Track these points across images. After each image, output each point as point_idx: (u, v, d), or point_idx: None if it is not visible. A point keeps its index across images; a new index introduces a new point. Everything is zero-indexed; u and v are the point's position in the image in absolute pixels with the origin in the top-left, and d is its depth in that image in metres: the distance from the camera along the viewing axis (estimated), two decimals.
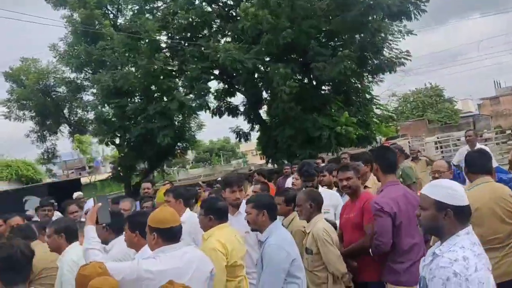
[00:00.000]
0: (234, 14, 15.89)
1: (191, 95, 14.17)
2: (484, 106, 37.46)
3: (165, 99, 15.06)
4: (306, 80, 15.82)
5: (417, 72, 70.22)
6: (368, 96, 16.16)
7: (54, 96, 18.06)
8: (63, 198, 7.83)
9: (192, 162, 63.20)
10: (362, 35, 14.23)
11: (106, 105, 15.86)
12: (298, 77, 15.42)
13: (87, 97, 18.07)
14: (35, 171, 14.07)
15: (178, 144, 18.63)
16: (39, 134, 18.48)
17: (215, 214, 3.47)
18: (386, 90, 20.29)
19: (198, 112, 15.89)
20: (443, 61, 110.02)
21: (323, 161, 9.29)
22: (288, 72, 12.90)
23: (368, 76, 15.65)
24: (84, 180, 15.95)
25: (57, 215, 6.28)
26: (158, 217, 2.77)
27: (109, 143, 16.29)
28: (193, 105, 13.64)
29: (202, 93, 15.07)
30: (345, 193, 4.33)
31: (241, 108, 17.52)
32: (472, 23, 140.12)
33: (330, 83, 15.64)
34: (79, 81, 18.07)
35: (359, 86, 16.09)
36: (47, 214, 5.94)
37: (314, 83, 15.58)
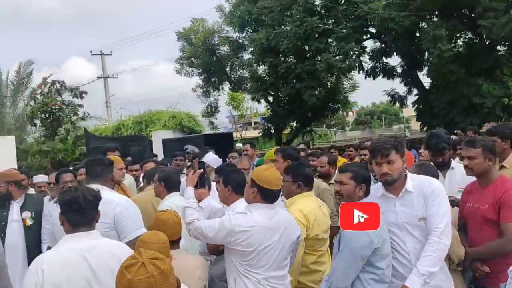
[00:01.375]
0: None
1: (340, 56, 13.71)
2: None
3: (317, 59, 14.97)
4: (477, 39, 13.90)
5: None
6: None
7: (218, 54, 19.42)
8: (215, 148, 8.77)
9: (352, 124, 62.34)
10: None
11: (260, 63, 16.44)
12: (464, 36, 13.63)
13: (247, 55, 18.99)
14: (196, 123, 15.53)
15: (330, 104, 18.51)
16: (204, 89, 20.27)
17: (303, 180, 3.38)
18: None
19: (347, 74, 15.35)
20: None
21: (477, 133, 8.21)
22: (442, 33, 11.43)
23: None
24: (235, 135, 17.03)
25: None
26: (264, 177, 2.86)
27: (260, 100, 16.97)
28: (342, 66, 13.18)
29: (352, 53, 14.49)
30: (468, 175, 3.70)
31: (398, 70, 16.41)
32: None
33: (507, 43, 13.46)
34: (240, 40, 19.06)
35: None
36: (178, 163, 6.53)
37: (486, 42, 13.60)
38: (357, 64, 15.96)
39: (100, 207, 3.09)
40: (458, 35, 14.08)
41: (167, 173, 3.89)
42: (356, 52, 15.98)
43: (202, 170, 3.22)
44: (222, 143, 11.71)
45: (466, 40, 14.47)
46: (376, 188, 2.93)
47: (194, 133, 15.17)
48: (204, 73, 19.91)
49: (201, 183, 3.19)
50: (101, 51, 26.91)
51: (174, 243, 2.78)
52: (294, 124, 19.06)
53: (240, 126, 46.50)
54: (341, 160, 6.59)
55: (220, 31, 19.33)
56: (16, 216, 4.65)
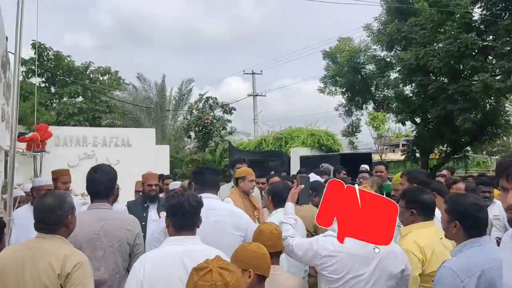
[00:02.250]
0: None
1: (500, 76, 12.21)
2: None
3: (472, 79, 13.63)
4: None
5: None
6: None
7: (363, 73, 19.03)
8: (352, 168, 8.69)
9: None
10: None
11: (407, 83, 15.62)
12: None
13: (394, 75, 18.23)
14: (334, 142, 15.42)
15: (488, 129, 16.61)
16: (346, 108, 20.00)
17: (417, 208, 3.06)
18: None
19: (507, 95, 13.59)
20: None
21: None
22: None
23: None
24: (375, 156, 16.34)
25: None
26: None
27: (405, 122, 16.04)
28: (501, 86, 11.71)
29: None
30: None
31: None
32: None
33: None
34: (388, 59, 18.39)
35: None
36: None
37: None
38: None
39: (233, 219, 3.30)
40: None
41: (277, 188, 3.89)
42: None
43: (303, 186, 3.18)
44: (359, 163, 11.39)
45: None
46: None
47: (332, 151, 15.08)
48: (348, 92, 19.67)
49: (302, 199, 3.14)
50: (252, 71, 28.63)
51: (272, 257, 2.77)
52: (444, 148, 17.56)
53: (386, 148, 44.73)
54: (495, 192, 5.82)
55: (366, 50, 18.95)
56: (154, 217, 5.17)
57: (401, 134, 17.73)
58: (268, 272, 2.33)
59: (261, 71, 28.47)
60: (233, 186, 4.93)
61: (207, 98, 19.06)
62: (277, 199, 3.75)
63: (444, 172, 8.35)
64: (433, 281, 2.46)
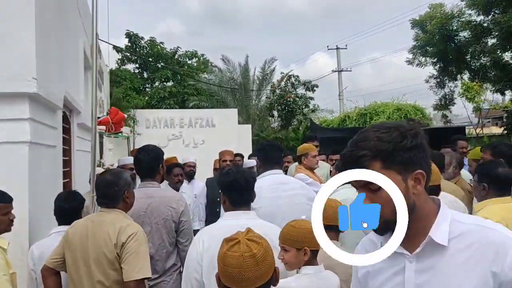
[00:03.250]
0: None
1: None
2: None
3: None
4: None
5: None
6: None
7: (456, 41, 17.62)
8: (441, 143, 8.19)
9: None
10: None
11: (506, 49, 14.18)
12: None
13: (492, 41, 16.64)
14: (423, 116, 14.56)
15: None
16: (438, 80, 18.71)
17: (490, 182, 2.82)
18: None
19: None
20: None
21: None
22: None
23: None
24: (472, 131, 15.12)
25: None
26: None
27: (504, 92, 14.62)
28: None
29: None
30: None
31: None
32: None
33: None
34: (485, 24, 16.83)
35: None
36: None
37: None
38: None
39: (305, 191, 3.35)
40: None
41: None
42: None
43: None
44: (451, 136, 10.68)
45: None
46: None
47: (422, 126, 14.28)
48: (439, 62, 18.37)
49: None
50: (336, 46, 27.91)
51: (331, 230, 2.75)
52: None
53: (489, 121, 41.09)
54: None
55: (460, 15, 17.46)
56: None
57: (498, 105, 16.18)
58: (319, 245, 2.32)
59: (346, 45, 27.66)
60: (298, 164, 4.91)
61: (289, 76, 18.99)
62: None
63: None
64: None
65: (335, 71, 27.54)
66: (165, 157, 3.44)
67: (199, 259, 2.45)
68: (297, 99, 18.64)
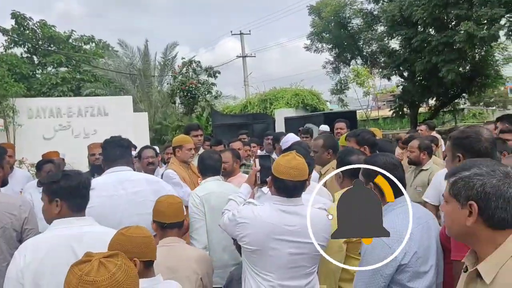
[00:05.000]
0: None
1: (483, 25, 11.70)
2: None
3: (457, 28, 13.12)
4: None
5: None
6: None
7: (349, 28, 18.45)
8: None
9: None
10: None
11: (392, 36, 15.12)
12: None
13: (381, 28, 17.65)
14: (319, 101, 15.12)
15: (477, 80, 16.25)
16: (334, 65, 19.53)
17: (346, 171, 2.88)
18: None
19: (490, 44, 13.12)
20: None
21: None
22: None
23: None
24: (361, 114, 16.06)
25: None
26: (278, 164, 2.48)
27: (390, 77, 15.64)
28: (484, 35, 11.25)
29: (500, 20, 12.31)
30: None
31: None
32: None
33: None
34: (375, 12, 17.77)
35: None
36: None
37: None
38: (510, 33, 13.61)
39: (151, 186, 3.13)
40: None
41: (203, 156, 3.65)
42: (511, 19, 13.61)
43: (259, 168, 2.93)
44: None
45: None
46: None
47: (317, 111, 14.81)
48: (335, 49, 19.15)
49: (262, 179, 2.90)
50: (240, 31, 27.90)
51: (172, 228, 2.65)
52: (433, 102, 17.25)
53: (384, 104, 44.15)
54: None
55: (352, 3, 18.29)
56: None
57: (386, 90, 17.34)
58: (155, 255, 2.14)
59: (250, 31, 27.73)
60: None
61: (191, 62, 18.58)
62: (201, 167, 3.54)
63: (422, 127, 8.12)
64: (359, 253, 2.34)
65: (240, 56, 27.59)
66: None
67: (19, 277, 2.15)
68: (200, 85, 18.33)
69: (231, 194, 2.97)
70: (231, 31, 28.13)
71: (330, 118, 12.59)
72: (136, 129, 12.02)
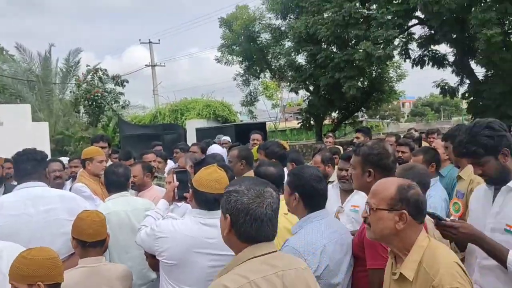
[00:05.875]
0: None
1: (380, 45, 12.78)
2: None
3: (357, 47, 14.16)
4: None
5: None
6: None
7: (259, 42, 18.97)
8: (246, 139, 8.44)
9: (408, 116, 59.96)
10: None
11: (299, 52, 15.86)
12: None
13: (288, 44, 18.41)
14: (230, 112, 15.34)
15: (374, 95, 17.62)
16: (244, 78, 19.93)
17: None
18: None
19: (386, 62, 14.38)
20: None
21: None
22: (491, 16, 10.41)
23: None
24: (270, 126, 16.59)
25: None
26: (198, 176, 2.49)
27: (297, 91, 16.38)
28: (381, 55, 12.29)
29: (398, 41, 13.56)
30: None
31: (450, 58, 15.20)
32: None
33: None
34: (282, 28, 18.49)
35: None
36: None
37: None
38: (402, 52, 15.00)
39: (65, 204, 2.91)
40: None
41: (107, 170, 3.53)
42: (404, 39, 14.99)
43: (177, 183, 2.87)
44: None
45: None
46: None
47: (229, 122, 14.99)
48: (245, 62, 19.55)
49: (180, 195, 2.84)
50: (149, 40, 27.35)
51: (95, 246, 2.52)
52: (336, 115, 18.35)
53: (291, 116, 45.92)
54: None
55: (261, 18, 18.86)
56: None
57: (293, 102, 18.11)
58: (62, 277, 2.02)
59: (159, 40, 27.27)
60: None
61: (96, 70, 17.79)
62: (106, 183, 3.42)
63: (359, 134, 8.59)
64: None
65: (149, 65, 27.00)
66: None
67: None
68: (106, 94, 17.61)
69: (147, 210, 2.92)
70: (140, 39, 27.48)
71: (241, 130, 12.86)
72: (35, 140, 11.14)
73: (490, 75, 13.40)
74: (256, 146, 4.61)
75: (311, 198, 2.42)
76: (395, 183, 1.86)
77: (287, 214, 2.89)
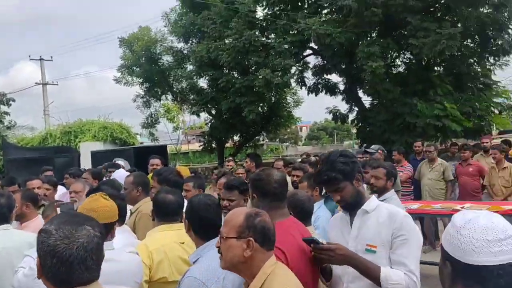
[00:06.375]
0: None
1: (278, 72, 13.41)
2: None
3: (257, 73, 14.67)
4: (414, 60, 14.04)
5: None
6: (487, 81, 13.79)
7: (160, 64, 18.76)
8: (146, 162, 8.03)
9: (305, 139, 63.14)
10: (482, 9, 12.08)
11: (201, 76, 15.99)
12: (402, 55, 13.85)
13: (190, 67, 18.44)
14: (129, 134, 14.86)
15: (273, 119, 18.30)
16: (145, 99, 19.49)
17: (156, 211, 2.89)
18: (511, 76, 17.18)
19: (284, 89, 15.13)
20: None
21: (402, 154, 8.10)
22: (376, 50, 11.56)
23: (489, 57, 13.30)
24: (171, 148, 16.39)
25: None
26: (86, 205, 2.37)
27: (199, 114, 16.43)
28: (279, 82, 12.89)
29: (295, 69, 14.35)
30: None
31: (341, 87, 16.40)
32: None
33: (443, 64, 13.72)
34: (185, 51, 18.50)
35: (478, 68, 13.84)
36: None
37: (423, 63, 13.76)
38: (298, 80, 15.88)
39: None
40: (396, 54, 14.23)
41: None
42: (300, 68, 15.89)
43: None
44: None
45: (405, 60, 14.68)
46: None
47: (128, 145, 14.48)
48: (146, 83, 19.18)
49: None
50: (40, 57, 25.59)
51: None
52: (237, 138, 18.70)
53: (194, 138, 45.66)
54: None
55: (163, 40, 18.72)
56: None
57: (196, 125, 18.13)
58: None
59: (51, 57, 25.65)
60: None
61: None
62: None
63: (231, 163, 8.84)
64: None
65: (39, 83, 25.19)
66: None
67: None
68: None
69: (30, 245, 2.68)
70: (30, 56, 25.59)
71: (141, 153, 12.48)
72: None
73: (375, 103, 14.69)
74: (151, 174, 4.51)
75: (199, 227, 2.41)
76: (243, 211, 1.93)
77: (183, 243, 2.87)
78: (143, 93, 19.32)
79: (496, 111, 13.80)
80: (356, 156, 2.44)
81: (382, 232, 2.21)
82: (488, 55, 13.27)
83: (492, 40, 12.70)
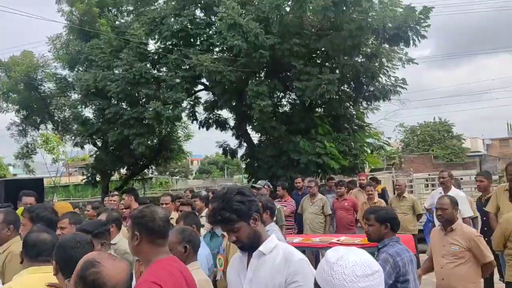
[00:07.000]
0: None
1: (169, 105, 13.38)
2: (493, 147, 36.15)
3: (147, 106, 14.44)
4: (297, 101, 15.03)
5: (426, 104, 70.22)
6: (361, 123, 15.29)
7: (41, 91, 17.54)
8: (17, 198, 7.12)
9: (196, 173, 62.85)
10: (357, 58, 13.50)
11: (86, 105, 15.28)
12: (288, 96, 14.78)
13: (76, 95, 17.51)
14: None
15: (163, 153, 18.04)
16: (21, 128, 17.94)
17: (25, 252, 2.68)
18: (381, 120, 19.36)
19: (175, 123, 15.13)
20: (460, 97, 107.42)
21: (285, 189, 8.54)
22: (263, 90, 12.26)
23: (363, 102, 14.80)
24: (49, 181, 15.21)
25: None
26: None
27: (83, 145, 15.60)
28: (170, 115, 12.85)
29: (186, 103, 14.44)
30: None
31: (231, 123, 16.84)
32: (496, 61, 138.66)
33: (323, 106, 14.89)
34: (70, 79, 17.55)
35: (353, 111, 15.29)
36: None
37: (306, 104, 14.80)
38: (190, 114, 15.98)
39: None
40: (282, 94, 15.10)
41: None
42: (191, 102, 16.03)
43: None
44: (30, 189, 10.12)
45: (290, 100, 15.63)
46: None
47: None
48: (23, 110, 17.71)
49: None
50: None
51: None
52: (124, 171, 18.00)
53: (76, 170, 42.68)
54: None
55: (46, 66, 17.59)
56: None
57: (78, 157, 17.11)
58: None
59: None
60: None
61: None
62: None
63: (115, 197, 8.49)
64: None
65: None
66: None
67: None
68: None
69: None
70: None
71: (13, 186, 11.33)
72: None
73: (263, 140, 15.32)
74: (20, 209, 4.16)
75: (70, 269, 2.30)
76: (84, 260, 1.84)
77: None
78: (19, 121, 17.76)
79: (369, 151, 15.25)
80: (254, 194, 2.37)
81: (276, 278, 2.11)
82: (361, 100, 14.70)
83: (365, 86, 14.12)
